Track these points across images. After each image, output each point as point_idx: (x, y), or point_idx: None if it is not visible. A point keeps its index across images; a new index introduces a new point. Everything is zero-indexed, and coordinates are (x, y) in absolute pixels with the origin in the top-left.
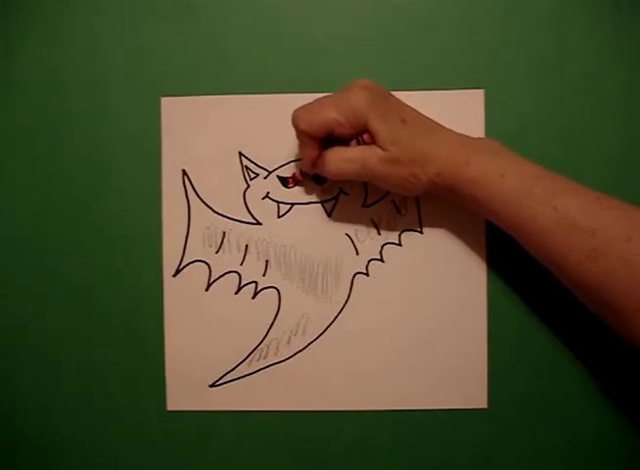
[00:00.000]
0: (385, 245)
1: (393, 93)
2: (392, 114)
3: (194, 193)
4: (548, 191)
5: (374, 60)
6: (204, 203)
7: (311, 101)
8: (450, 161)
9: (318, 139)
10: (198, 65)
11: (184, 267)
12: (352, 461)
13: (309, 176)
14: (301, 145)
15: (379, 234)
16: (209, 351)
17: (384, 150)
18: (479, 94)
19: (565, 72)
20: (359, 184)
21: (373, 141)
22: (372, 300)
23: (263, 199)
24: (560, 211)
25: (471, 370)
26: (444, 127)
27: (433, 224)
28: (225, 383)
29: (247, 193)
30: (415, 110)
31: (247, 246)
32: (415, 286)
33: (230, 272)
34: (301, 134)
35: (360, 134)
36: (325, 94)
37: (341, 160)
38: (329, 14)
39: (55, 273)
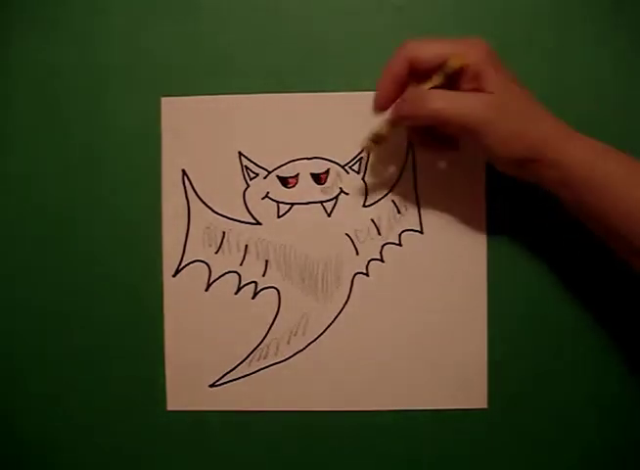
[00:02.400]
0: (385, 245)
1: None
2: (505, 71)
3: (193, 193)
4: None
5: (374, 60)
6: (203, 203)
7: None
8: (556, 131)
9: (407, 75)
10: (198, 65)
11: (184, 267)
12: (352, 461)
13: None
14: (388, 77)
15: (379, 234)
16: (209, 350)
17: (491, 93)
18: None
19: (565, 72)
20: (359, 184)
21: (476, 88)
22: (372, 300)
23: (263, 199)
24: None
25: (471, 370)
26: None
27: (433, 224)
28: (225, 383)
29: (246, 193)
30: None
31: (246, 246)
32: (415, 286)
33: (230, 272)
34: (402, 61)
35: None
36: (325, 94)
37: (450, 98)
38: (329, 13)
39: (55, 273)
